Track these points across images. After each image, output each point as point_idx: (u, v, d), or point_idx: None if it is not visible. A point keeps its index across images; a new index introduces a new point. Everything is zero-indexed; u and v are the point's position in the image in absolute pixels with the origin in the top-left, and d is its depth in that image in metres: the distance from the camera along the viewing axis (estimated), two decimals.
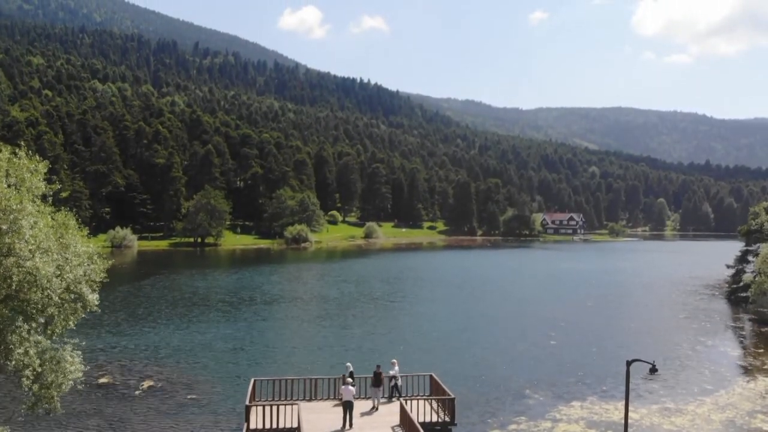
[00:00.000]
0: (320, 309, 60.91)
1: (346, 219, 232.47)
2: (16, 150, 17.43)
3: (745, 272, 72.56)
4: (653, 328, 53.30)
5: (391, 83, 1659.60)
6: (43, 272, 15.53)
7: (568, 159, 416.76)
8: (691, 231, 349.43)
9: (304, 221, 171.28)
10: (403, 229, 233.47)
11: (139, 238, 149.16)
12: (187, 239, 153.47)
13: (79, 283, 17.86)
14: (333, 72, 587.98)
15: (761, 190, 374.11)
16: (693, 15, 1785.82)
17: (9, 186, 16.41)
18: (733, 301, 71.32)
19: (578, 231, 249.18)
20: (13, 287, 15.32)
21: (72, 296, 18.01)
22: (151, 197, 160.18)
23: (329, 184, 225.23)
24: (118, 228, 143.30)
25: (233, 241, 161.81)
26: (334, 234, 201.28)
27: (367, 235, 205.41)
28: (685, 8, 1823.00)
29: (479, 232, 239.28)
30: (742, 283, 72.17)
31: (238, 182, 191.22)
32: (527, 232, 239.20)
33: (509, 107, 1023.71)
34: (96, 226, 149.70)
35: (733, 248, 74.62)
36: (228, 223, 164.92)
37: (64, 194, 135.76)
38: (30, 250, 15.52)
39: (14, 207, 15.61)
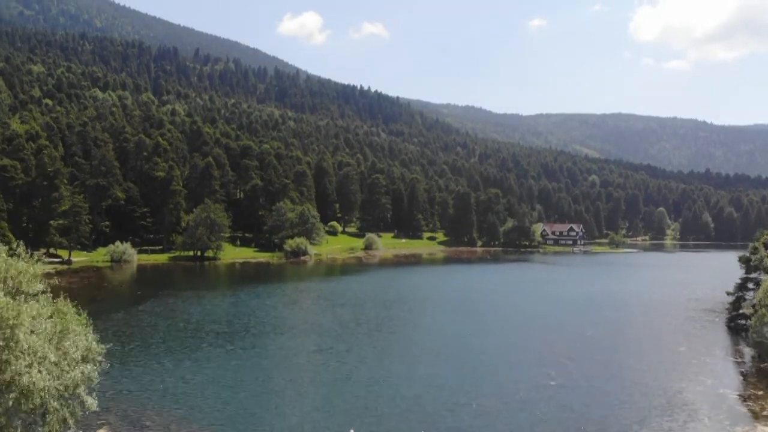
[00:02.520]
0: (313, 343, 60.02)
1: (346, 229, 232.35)
2: (13, 247, 17.24)
3: (745, 299, 72.46)
4: (653, 365, 53.01)
5: (392, 89, 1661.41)
6: (40, 385, 15.41)
7: (568, 167, 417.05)
8: (691, 240, 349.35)
9: (303, 234, 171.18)
10: (403, 240, 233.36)
11: (139, 252, 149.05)
12: (186, 253, 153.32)
13: (77, 386, 17.72)
14: (333, 78, 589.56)
15: (761, 200, 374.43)
16: (690, 22, 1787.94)
17: (6, 293, 16.29)
18: (733, 328, 71.25)
19: (578, 242, 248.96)
20: (10, 403, 15.17)
21: (69, 400, 17.85)
22: (150, 210, 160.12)
23: (329, 194, 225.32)
24: (117, 243, 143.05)
25: (233, 254, 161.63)
26: (334, 245, 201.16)
27: (367, 247, 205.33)
28: (682, 15, 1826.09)
29: (479, 243, 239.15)
30: (742, 311, 72.16)
31: (238, 194, 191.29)
32: (527, 243, 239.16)
33: (509, 113, 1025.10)
34: (96, 239, 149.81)
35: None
36: (228, 235, 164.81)
37: (63, 207, 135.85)
38: (27, 365, 15.39)
39: (11, 321, 15.49)
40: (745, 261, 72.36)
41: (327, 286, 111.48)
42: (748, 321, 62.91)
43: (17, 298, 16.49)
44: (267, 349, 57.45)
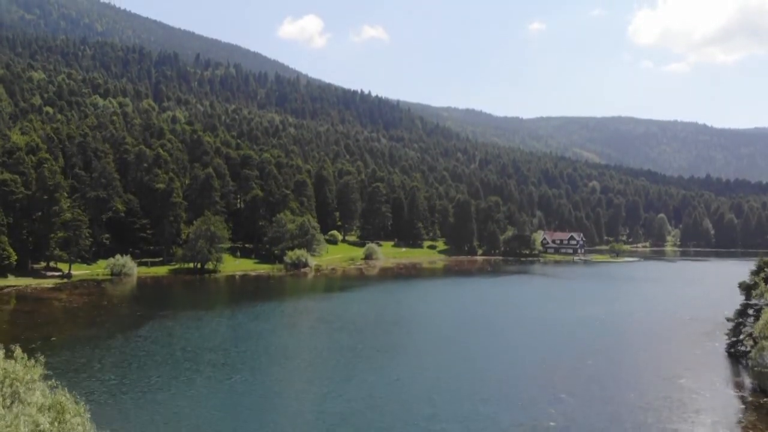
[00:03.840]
0: (311, 376, 59.92)
1: (347, 238, 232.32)
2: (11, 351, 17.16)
3: (745, 325, 72.44)
4: (654, 402, 52.76)
5: (392, 92, 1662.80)
6: None
7: (568, 173, 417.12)
8: (692, 247, 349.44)
9: (303, 245, 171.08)
10: (403, 249, 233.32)
11: (139, 264, 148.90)
12: (186, 265, 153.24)
13: None
14: (334, 81, 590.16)
15: (762, 206, 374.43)
16: (689, 25, 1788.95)
17: (4, 398, 16.22)
18: (733, 355, 71.20)
19: (578, 250, 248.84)
20: None
21: None
22: (150, 222, 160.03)
23: (329, 203, 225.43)
24: (118, 255, 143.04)
25: (233, 267, 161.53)
26: (334, 255, 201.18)
27: (367, 257, 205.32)
28: (681, 18, 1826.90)
29: (479, 252, 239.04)
30: (742, 336, 72.17)
31: (239, 203, 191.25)
32: (527, 252, 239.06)
33: (510, 116, 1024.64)
34: (96, 251, 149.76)
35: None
36: (228, 246, 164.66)
37: (64, 219, 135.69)
38: None
39: None
40: (745, 288, 72.29)
41: (326, 305, 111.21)
42: (749, 357, 62.85)
43: (14, 406, 16.37)
44: (264, 382, 56.95)
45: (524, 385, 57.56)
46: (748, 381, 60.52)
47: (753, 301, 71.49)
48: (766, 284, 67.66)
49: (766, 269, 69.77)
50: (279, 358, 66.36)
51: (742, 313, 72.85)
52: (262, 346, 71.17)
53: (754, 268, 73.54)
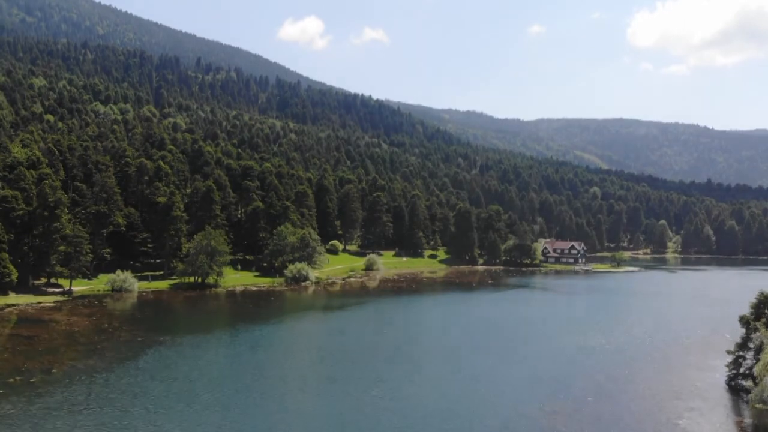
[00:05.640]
0: (306, 416, 60.57)
1: (347, 248, 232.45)
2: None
3: (745, 359, 72.54)
4: None
5: (393, 94, 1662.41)
6: None
7: (569, 179, 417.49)
8: (693, 254, 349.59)
9: (304, 259, 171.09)
10: (404, 259, 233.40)
11: (140, 279, 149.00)
12: (187, 279, 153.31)
13: None
14: (334, 84, 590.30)
15: (763, 212, 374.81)
16: (688, 28, 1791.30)
17: None
18: (734, 388, 71.28)
19: (579, 260, 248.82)
20: None
21: None
22: (151, 236, 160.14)
23: (330, 213, 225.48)
24: (118, 271, 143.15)
25: (234, 280, 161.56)
26: (335, 266, 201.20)
27: (368, 267, 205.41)
28: (680, 21, 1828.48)
29: (480, 261, 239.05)
30: (742, 369, 72.30)
31: (240, 214, 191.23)
32: (528, 262, 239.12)
33: (510, 118, 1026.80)
34: (97, 265, 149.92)
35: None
36: (229, 259, 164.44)
37: (66, 233, 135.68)
38: None
39: None
40: (745, 322, 72.37)
41: (324, 328, 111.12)
42: (749, 396, 62.96)
43: None
44: (253, 423, 57.19)
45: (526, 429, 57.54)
46: (748, 420, 60.53)
47: (754, 335, 71.55)
48: (766, 328, 67.72)
49: (766, 310, 69.77)
50: (273, 395, 66.32)
51: (741, 346, 72.91)
52: (257, 381, 70.91)
53: (754, 301, 73.55)
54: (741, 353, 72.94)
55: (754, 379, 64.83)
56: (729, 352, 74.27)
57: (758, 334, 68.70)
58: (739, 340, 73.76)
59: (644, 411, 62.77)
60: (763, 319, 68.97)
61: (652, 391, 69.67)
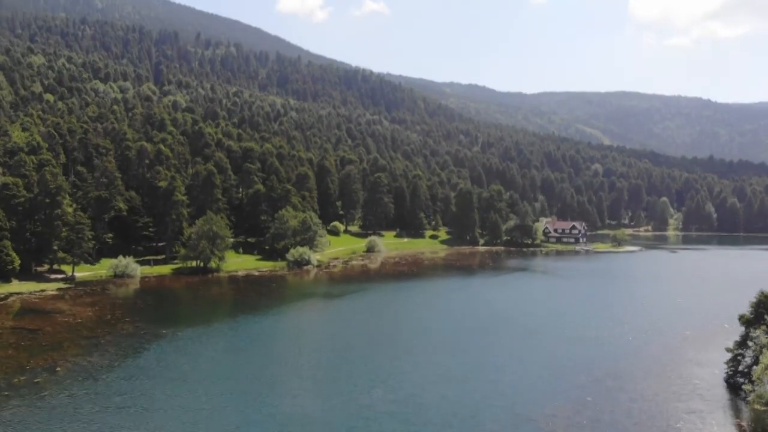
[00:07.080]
0: (292, 409, 61.31)
1: (349, 228, 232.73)
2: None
3: (744, 357, 72.94)
4: None
5: (394, 67, 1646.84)
6: None
7: (571, 156, 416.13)
8: (694, 231, 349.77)
9: (306, 243, 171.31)
10: (405, 240, 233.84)
11: (142, 263, 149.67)
12: (189, 264, 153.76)
13: None
14: (334, 56, 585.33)
15: (764, 189, 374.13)
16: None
17: None
18: (732, 385, 71.74)
19: (580, 240, 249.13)
20: None
21: None
22: (153, 220, 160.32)
23: (331, 194, 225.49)
24: (120, 257, 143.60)
25: (236, 264, 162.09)
26: (337, 248, 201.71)
27: (369, 249, 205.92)
28: None
29: (481, 242, 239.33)
30: (741, 368, 72.75)
31: (241, 196, 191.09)
32: (529, 242, 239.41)
33: (513, 91, 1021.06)
34: (99, 250, 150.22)
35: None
36: (231, 242, 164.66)
37: (68, 220, 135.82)
38: None
39: None
40: (744, 322, 72.63)
41: (323, 320, 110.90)
42: (748, 400, 63.48)
43: None
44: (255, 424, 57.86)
45: None
46: (747, 423, 61.09)
47: (753, 333, 71.85)
48: (764, 329, 68.17)
49: (766, 316, 69.96)
50: (274, 395, 66.80)
51: (741, 344, 73.23)
52: (254, 378, 71.49)
53: (753, 300, 73.66)
54: (740, 351, 73.29)
55: (752, 381, 65.31)
56: (728, 350, 74.58)
57: (757, 332, 68.97)
58: (737, 338, 74.12)
59: (643, 412, 63.32)
60: (763, 327, 69.16)
61: (652, 391, 70.12)
